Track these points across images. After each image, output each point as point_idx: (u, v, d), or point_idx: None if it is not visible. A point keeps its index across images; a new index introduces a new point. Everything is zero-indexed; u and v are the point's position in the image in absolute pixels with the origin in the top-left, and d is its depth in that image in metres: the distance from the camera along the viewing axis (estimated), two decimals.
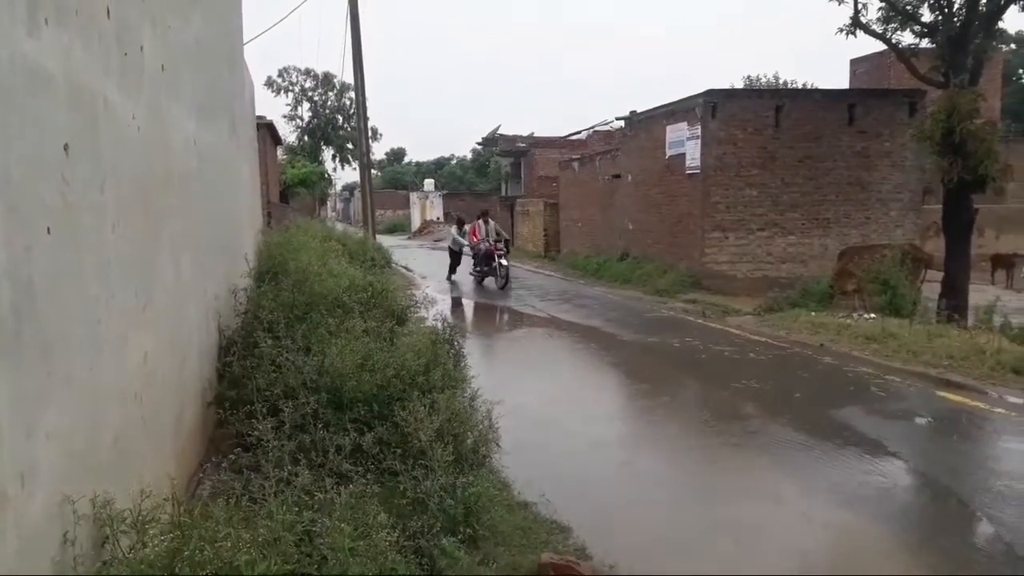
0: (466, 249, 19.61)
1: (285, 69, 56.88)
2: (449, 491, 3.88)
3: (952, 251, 14.13)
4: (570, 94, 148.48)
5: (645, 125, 21.21)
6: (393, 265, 19.32)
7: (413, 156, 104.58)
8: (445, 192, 63.89)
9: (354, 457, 4.15)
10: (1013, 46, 51.17)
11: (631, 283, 19.03)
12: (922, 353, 9.29)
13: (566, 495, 4.96)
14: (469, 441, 4.68)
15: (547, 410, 7.30)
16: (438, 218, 56.39)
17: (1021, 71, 52.19)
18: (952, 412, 7.17)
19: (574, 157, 30.45)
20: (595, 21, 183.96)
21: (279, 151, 34.81)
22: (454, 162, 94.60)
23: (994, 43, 17.80)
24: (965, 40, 14.10)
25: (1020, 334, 10.09)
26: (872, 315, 11.69)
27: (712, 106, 17.32)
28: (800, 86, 40.80)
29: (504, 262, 17.75)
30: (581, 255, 25.16)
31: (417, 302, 8.43)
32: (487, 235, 18.55)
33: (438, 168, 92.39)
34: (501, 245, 18.31)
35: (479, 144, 56.26)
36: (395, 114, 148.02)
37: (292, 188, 35.89)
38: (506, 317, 14.27)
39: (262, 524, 2.97)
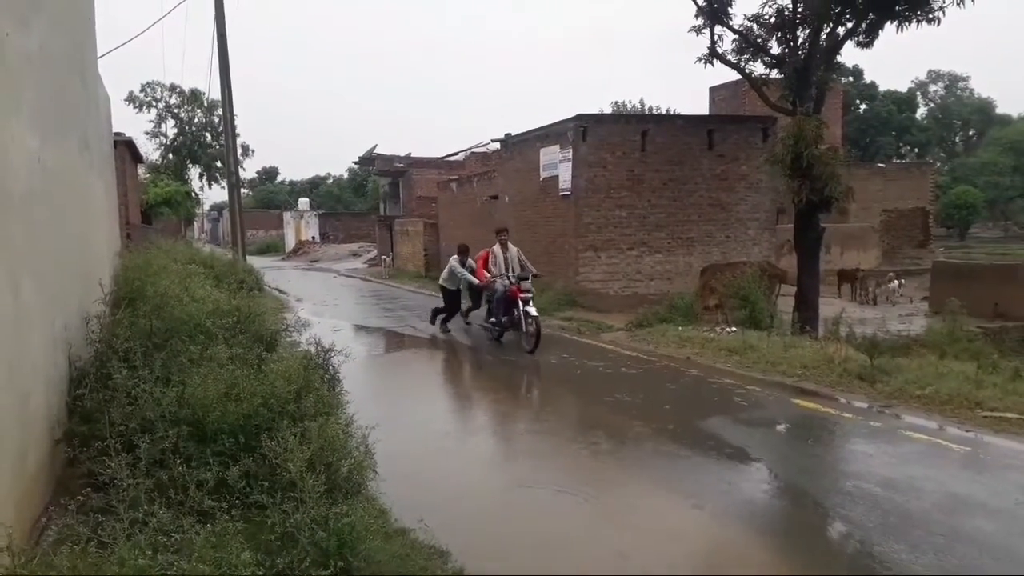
0: (463, 285, 13.89)
1: (148, 84, 53.96)
2: (321, 523, 3.75)
3: (803, 267, 15.18)
4: (447, 114, 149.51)
5: (520, 148, 21.61)
6: (265, 288, 18.64)
7: (287, 175, 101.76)
8: (321, 212, 62.56)
9: (218, 492, 3.95)
10: (851, 78, 55.99)
11: None
12: (779, 363, 9.90)
13: (445, 519, 4.92)
14: (344, 469, 4.56)
15: (427, 432, 7.24)
16: (313, 238, 55.07)
17: (858, 101, 57.09)
18: (806, 418, 7.68)
19: (452, 178, 30.62)
20: (468, 39, 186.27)
21: (140, 169, 32.94)
22: (330, 181, 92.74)
23: (834, 75, 19.42)
24: (809, 72, 15.28)
25: (864, 343, 10.95)
26: (733, 328, 12.37)
27: (583, 130, 17.87)
28: (664, 111, 42.90)
29: (532, 310, 11.63)
30: None
31: (289, 325, 8.17)
32: (506, 267, 12.68)
33: (313, 187, 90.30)
34: (528, 285, 12.11)
35: (356, 163, 55.53)
36: (268, 132, 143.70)
37: (155, 208, 34.01)
38: (386, 339, 14.07)
39: (110, 571, 2.77)
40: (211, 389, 4.71)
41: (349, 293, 24.88)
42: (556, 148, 19.09)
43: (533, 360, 11.08)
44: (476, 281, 13.13)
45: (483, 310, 13.70)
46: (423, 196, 35.08)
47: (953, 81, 70.44)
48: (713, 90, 30.55)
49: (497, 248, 12.88)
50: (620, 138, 18.07)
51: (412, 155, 41.35)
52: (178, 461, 4.10)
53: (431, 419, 7.92)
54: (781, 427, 7.53)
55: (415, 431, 7.25)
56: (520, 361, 11.15)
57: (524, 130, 21.50)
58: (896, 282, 21.28)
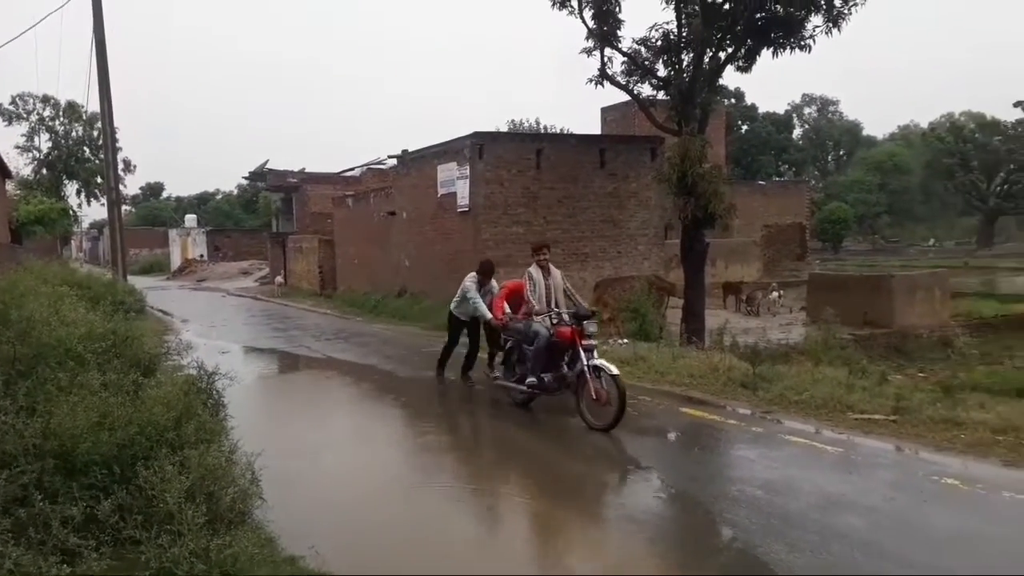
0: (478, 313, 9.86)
1: (20, 96, 50.67)
2: (201, 555, 3.58)
3: (690, 280, 15.82)
4: (342, 131, 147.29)
5: (417, 164, 21.54)
6: (148, 309, 17.74)
7: (173, 190, 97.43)
8: (209, 228, 60.15)
9: (87, 529, 3.70)
10: (733, 100, 58.99)
11: (409, 319, 19.05)
12: (668, 373, 10.22)
13: (339, 544, 4.80)
14: (227, 498, 4.37)
15: (319, 456, 7.05)
16: (201, 256, 52.86)
17: (740, 122, 60.16)
18: (693, 425, 7.95)
19: (348, 193, 30.12)
20: (361, 56, 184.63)
21: (9, 185, 30.77)
22: (219, 197, 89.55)
23: (717, 97, 20.47)
24: (693, 94, 16.01)
25: (746, 352, 11.48)
26: (625, 340, 12.71)
27: (479, 148, 18.00)
28: (559, 131, 43.87)
29: (607, 365, 7.61)
30: (359, 292, 24.82)
31: (171, 348, 7.79)
32: (549, 299, 8.61)
33: (201, 203, 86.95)
34: (593, 328, 8.16)
35: (246, 178, 53.76)
36: (152, 146, 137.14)
37: (27, 227, 31.87)
38: (277, 360, 13.64)
39: None
40: (81, 418, 4.42)
41: (238, 313, 24.01)
42: (454, 165, 19.14)
43: (434, 379, 10.96)
44: (487, 315, 9.32)
45: (498, 358, 9.65)
46: (318, 212, 34.33)
47: (825, 104, 75.54)
48: (604, 110, 31.50)
49: (536, 271, 8.57)
50: (516, 156, 18.31)
51: (306, 170, 40.43)
52: (40, 497, 3.81)
53: (326, 443, 7.72)
54: (671, 435, 7.76)
55: (307, 455, 7.04)
56: (419, 379, 11.01)
57: (422, 146, 21.47)
58: (776, 293, 22.46)
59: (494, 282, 10.16)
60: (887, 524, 4.79)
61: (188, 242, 54.48)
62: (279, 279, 32.63)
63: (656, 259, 19.67)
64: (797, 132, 71.14)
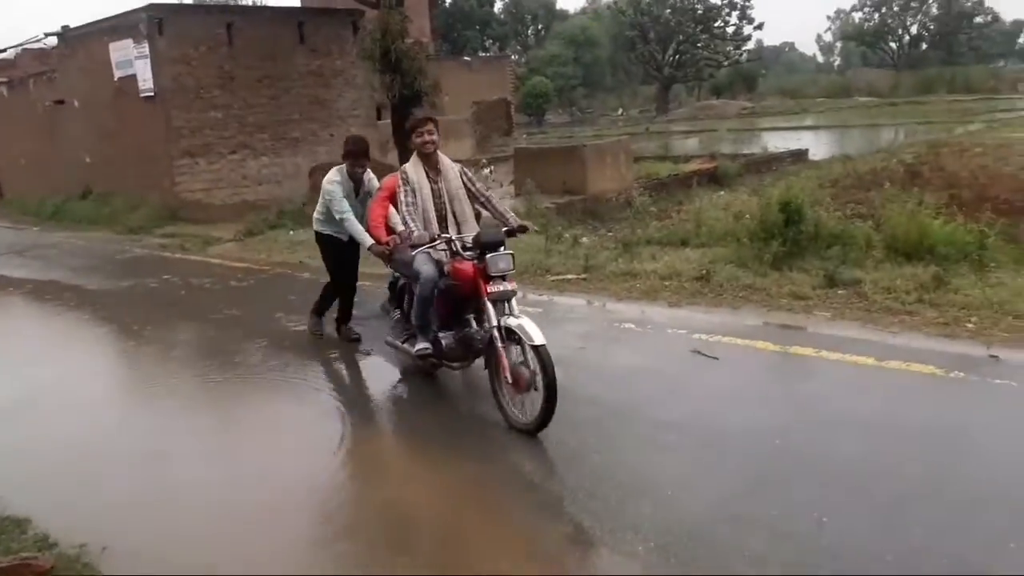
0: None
1: None
2: None
3: (403, 160, 15.83)
4: None
5: (84, 43, 18.65)
6: None
7: None
8: None
9: None
10: None
11: (99, 224, 16.99)
12: None
13: (24, 484, 4.37)
14: None
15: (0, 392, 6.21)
16: None
17: None
18: None
19: (0, 80, 25.28)
20: None
21: None
22: None
23: None
24: None
25: None
26: None
27: (157, 22, 15.99)
28: (251, 3, 40.19)
29: (527, 325, 4.40)
30: (33, 198, 21.47)
31: None
32: (440, 210, 5.16)
33: None
34: (506, 261, 4.64)
35: None
36: None
37: None
38: None
39: None
40: None
41: None
42: (129, 42, 16.86)
43: (133, 288, 10.00)
44: (366, 240, 5.74)
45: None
46: None
47: None
48: None
49: (415, 170, 5.16)
50: (204, 32, 16.60)
51: None
52: None
53: (14, 374, 6.81)
54: (383, 316, 7.95)
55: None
56: (115, 290, 10.00)
57: (87, 22, 18.52)
58: (488, 169, 23.43)
59: (371, 175, 6.23)
60: (576, 369, 5.42)
61: None
62: None
63: (372, 141, 19.31)
64: (499, 6, 72.42)
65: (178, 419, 5.41)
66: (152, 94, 16.53)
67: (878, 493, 3.56)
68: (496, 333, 4.55)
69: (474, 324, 5.04)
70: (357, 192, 6.17)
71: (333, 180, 6.09)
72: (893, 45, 73.81)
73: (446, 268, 4.95)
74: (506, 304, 4.58)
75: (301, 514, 3.93)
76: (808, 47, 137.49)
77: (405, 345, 5.52)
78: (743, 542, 3.24)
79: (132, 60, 16.88)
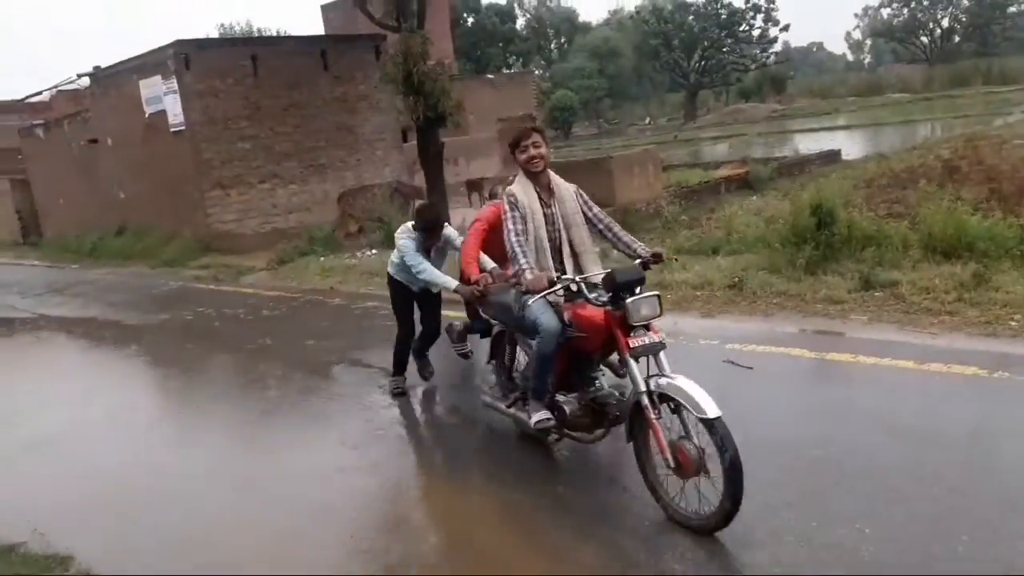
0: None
1: None
2: None
3: (430, 182, 15.91)
4: (13, 50, 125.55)
5: (116, 82, 19.12)
6: None
7: None
8: None
9: None
10: None
11: (135, 259, 17.37)
12: None
13: (67, 522, 4.40)
14: None
15: (44, 427, 6.28)
16: None
17: (465, 15, 60.27)
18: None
19: (37, 123, 26.09)
20: None
21: None
22: None
23: None
24: None
25: None
26: (374, 251, 12.66)
27: (184, 58, 16.33)
28: (275, 34, 40.99)
29: (696, 395, 3.32)
30: (71, 235, 22.04)
31: None
32: (554, 240, 4.13)
33: None
34: (649, 305, 3.59)
35: None
36: None
37: None
38: None
39: None
40: None
41: None
42: (158, 79, 17.26)
43: (169, 321, 10.15)
44: (449, 283, 5.34)
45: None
46: (3, 148, 29.46)
47: None
48: (325, 8, 29.87)
49: (522, 190, 4.12)
50: (229, 64, 16.92)
51: None
52: None
53: (58, 411, 6.92)
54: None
55: (32, 430, 6.27)
56: (152, 324, 10.16)
57: (117, 61, 19.03)
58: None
59: (451, 230, 5.73)
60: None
61: None
62: None
63: (397, 164, 19.53)
64: (520, 22, 72.86)
65: (213, 453, 5.42)
66: (182, 128, 16.88)
67: (920, 501, 3.40)
68: (645, 399, 3.49)
69: (604, 383, 4.11)
70: (427, 253, 5.58)
71: (404, 235, 5.62)
72: (925, 39, 72.46)
73: (566, 316, 3.89)
74: (654, 359, 3.59)
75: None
76: (837, 46, 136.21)
77: (514, 411, 4.47)
78: (779, 555, 3.11)
79: (161, 96, 17.27)
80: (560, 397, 4.09)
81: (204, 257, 15.69)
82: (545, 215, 4.11)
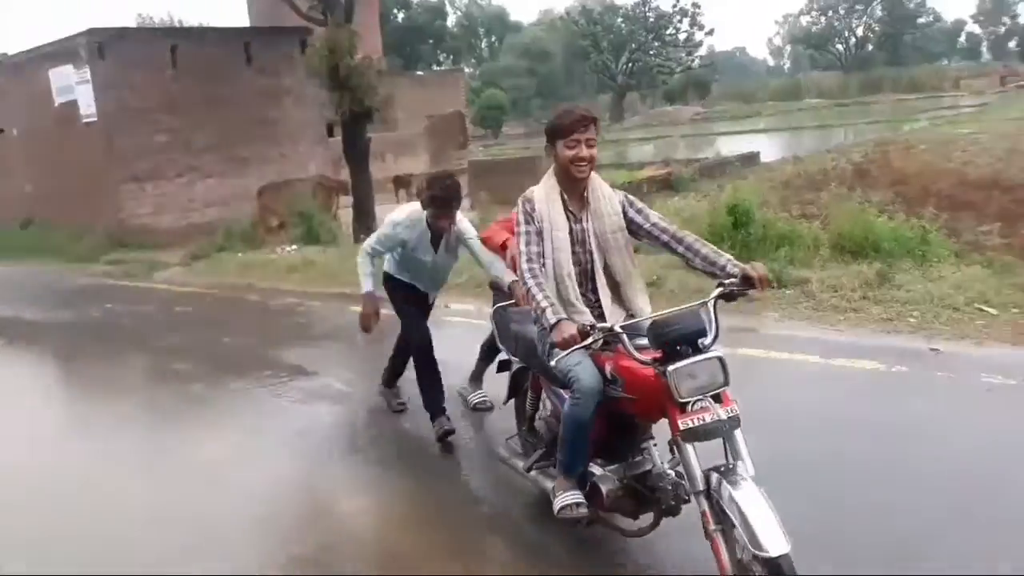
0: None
1: None
2: None
3: (356, 177, 15.66)
4: None
5: (23, 70, 18.23)
6: None
7: None
8: None
9: None
10: None
11: (42, 255, 16.48)
12: (338, 275, 10.15)
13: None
14: None
15: None
16: None
17: (395, 11, 59.68)
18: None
19: None
20: None
21: None
22: None
23: None
24: None
25: None
26: (294, 247, 12.37)
27: (98, 46, 15.65)
28: (197, 25, 39.76)
29: (765, 534, 2.27)
30: None
31: None
32: (586, 265, 3.06)
33: None
34: (707, 370, 2.55)
35: None
36: None
37: None
38: None
39: None
40: None
41: None
42: (70, 68, 16.50)
43: (74, 319, 9.66)
44: (362, 286, 4.54)
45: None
46: None
47: None
48: (251, 1, 29.15)
49: (541, 195, 3.06)
50: (147, 54, 16.33)
51: None
52: None
53: None
54: (338, 338, 7.77)
55: None
56: (54, 322, 9.65)
57: (24, 49, 18.10)
58: None
59: (465, 222, 4.50)
60: None
61: None
62: None
63: (322, 159, 19.18)
64: (451, 20, 72.63)
65: (104, 452, 5.18)
66: (94, 119, 16.17)
67: (819, 489, 3.50)
68: (705, 506, 2.53)
69: (655, 454, 3.00)
70: (437, 244, 4.44)
71: (397, 222, 4.36)
72: (840, 47, 75.67)
73: (608, 369, 2.81)
74: (728, 434, 2.58)
75: None
76: (759, 51, 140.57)
77: (535, 474, 3.36)
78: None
79: (73, 86, 16.50)
80: (596, 470, 2.99)
81: (116, 252, 15.04)
82: (572, 232, 3.05)
